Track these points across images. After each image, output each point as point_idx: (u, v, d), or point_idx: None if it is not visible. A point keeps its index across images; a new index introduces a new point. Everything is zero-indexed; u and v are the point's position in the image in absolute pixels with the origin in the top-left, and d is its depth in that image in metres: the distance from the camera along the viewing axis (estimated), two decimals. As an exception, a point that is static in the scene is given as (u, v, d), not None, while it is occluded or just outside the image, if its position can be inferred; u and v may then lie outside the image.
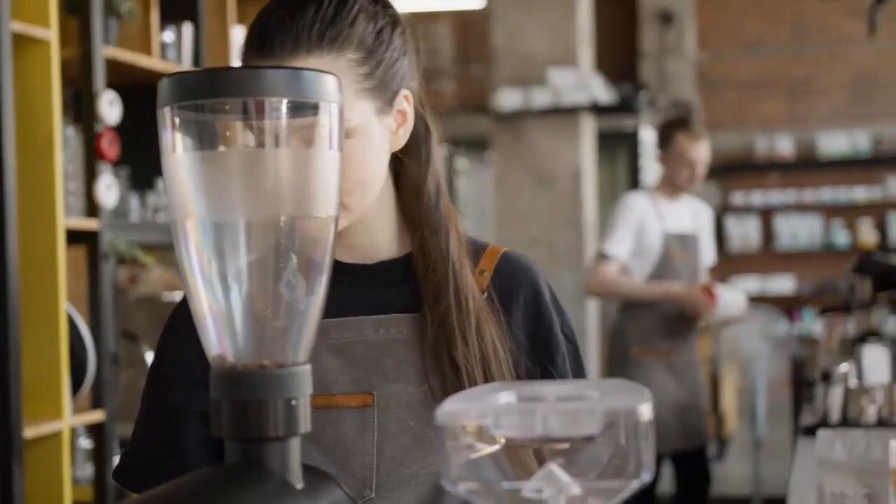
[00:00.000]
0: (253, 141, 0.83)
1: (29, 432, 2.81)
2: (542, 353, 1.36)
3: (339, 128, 0.84)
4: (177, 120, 0.81)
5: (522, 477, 0.71)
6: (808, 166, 10.48)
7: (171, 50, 3.66)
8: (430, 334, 1.28)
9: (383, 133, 1.29)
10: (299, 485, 0.80)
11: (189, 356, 1.29)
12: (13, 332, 2.75)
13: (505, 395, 0.74)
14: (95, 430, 3.24)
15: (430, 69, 11.27)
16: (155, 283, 3.51)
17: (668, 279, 4.32)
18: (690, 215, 4.53)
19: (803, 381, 4.36)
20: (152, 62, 3.46)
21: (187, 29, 3.71)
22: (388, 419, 1.27)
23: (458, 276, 1.30)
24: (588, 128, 6.88)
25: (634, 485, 0.70)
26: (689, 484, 4.45)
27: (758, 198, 10.56)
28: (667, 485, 4.67)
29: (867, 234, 10.32)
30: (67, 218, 3.02)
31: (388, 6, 1.30)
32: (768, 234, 10.63)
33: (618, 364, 4.43)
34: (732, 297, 4.42)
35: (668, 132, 4.47)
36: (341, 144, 0.85)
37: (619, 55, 10.50)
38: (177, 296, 3.35)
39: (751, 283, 10.53)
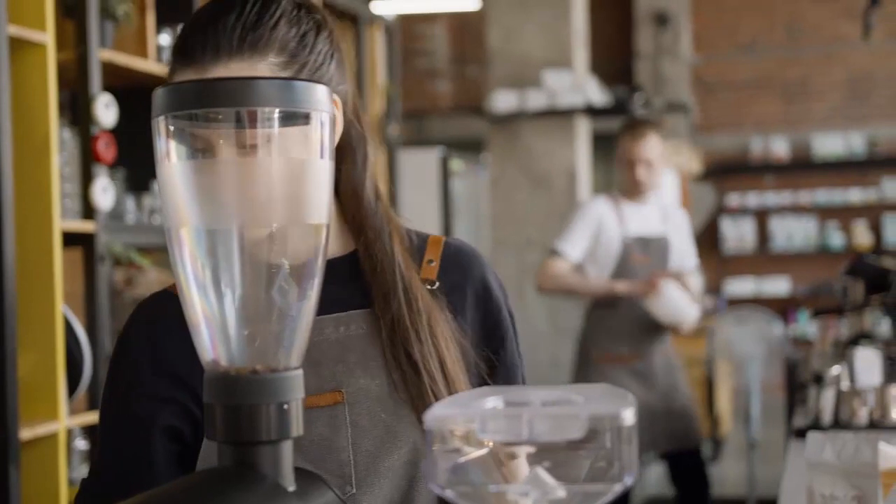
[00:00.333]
0: (246, 150, 0.85)
1: (25, 433, 2.82)
2: (493, 339, 1.39)
3: (330, 137, 0.86)
4: (171, 129, 0.83)
5: (508, 480, 0.72)
6: (803, 168, 10.50)
7: (167, 53, 3.67)
8: (384, 335, 1.30)
9: None
10: (291, 487, 0.82)
11: (145, 372, 1.29)
12: (10, 334, 2.76)
13: (492, 400, 0.76)
14: (91, 432, 3.25)
15: (426, 70, 11.31)
16: (151, 284, 3.52)
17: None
18: (659, 217, 4.47)
19: (797, 382, 4.37)
20: (148, 65, 3.47)
21: (183, 32, 3.71)
22: (359, 414, 1.29)
23: (405, 278, 1.32)
24: (583, 129, 6.89)
25: (618, 488, 0.71)
26: (687, 487, 4.46)
27: (753, 199, 10.58)
28: (661, 487, 4.68)
29: (862, 236, 10.34)
30: (64, 220, 3.03)
31: (313, 10, 1.30)
32: (763, 235, 10.65)
33: (580, 369, 4.42)
34: (679, 298, 4.24)
35: (617, 134, 4.48)
36: (332, 153, 0.87)
37: (614, 57, 10.52)
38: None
39: (746, 285, 10.55)
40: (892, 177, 10.31)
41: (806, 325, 10.05)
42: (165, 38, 3.64)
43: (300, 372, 0.84)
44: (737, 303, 9.57)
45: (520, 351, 1.44)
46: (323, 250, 0.86)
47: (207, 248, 0.83)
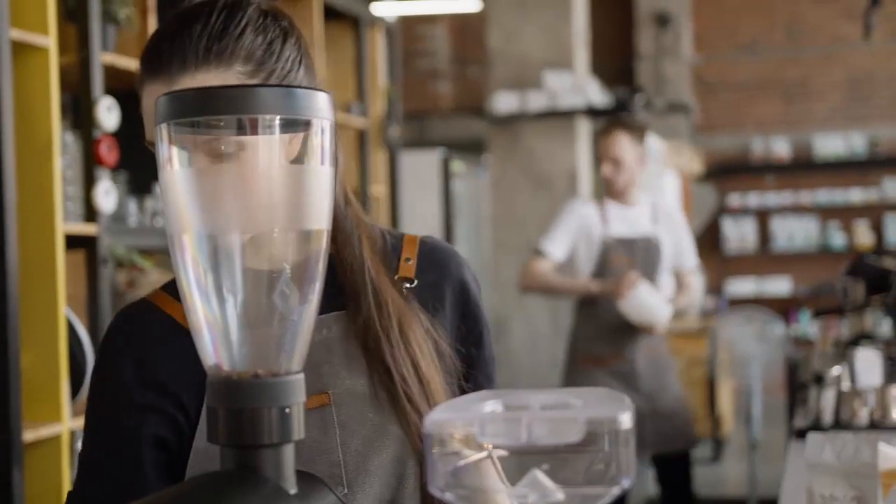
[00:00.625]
0: (247, 157, 0.86)
1: (28, 435, 2.83)
2: (472, 334, 1.40)
3: (331, 143, 0.87)
4: (173, 136, 0.84)
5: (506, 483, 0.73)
6: (804, 168, 10.51)
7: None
8: (359, 338, 1.31)
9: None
10: (293, 490, 0.83)
11: (129, 382, 1.29)
12: (13, 336, 2.77)
13: (491, 404, 0.77)
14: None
15: (427, 72, 11.31)
16: (153, 286, 3.53)
17: None
18: (648, 218, 4.45)
19: (798, 382, 4.37)
20: (150, 68, 3.48)
21: (185, 34, 3.72)
22: (347, 415, 1.29)
23: (374, 281, 1.32)
24: (584, 130, 6.90)
25: (615, 491, 0.72)
26: (671, 487, 4.45)
27: (754, 199, 10.58)
28: (659, 489, 4.68)
29: (863, 236, 10.34)
30: (66, 223, 3.04)
31: (280, 17, 1.30)
32: (765, 235, 10.65)
33: (567, 372, 4.44)
34: (650, 298, 4.20)
35: None
36: (333, 159, 0.87)
37: (615, 58, 10.52)
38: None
39: (747, 285, 10.56)
40: (893, 177, 10.32)
41: (807, 325, 10.05)
42: (167, 41, 3.64)
43: (301, 376, 0.85)
44: (738, 303, 9.58)
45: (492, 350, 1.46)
46: (324, 255, 0.87)
47: (209, 253, 0.83)
